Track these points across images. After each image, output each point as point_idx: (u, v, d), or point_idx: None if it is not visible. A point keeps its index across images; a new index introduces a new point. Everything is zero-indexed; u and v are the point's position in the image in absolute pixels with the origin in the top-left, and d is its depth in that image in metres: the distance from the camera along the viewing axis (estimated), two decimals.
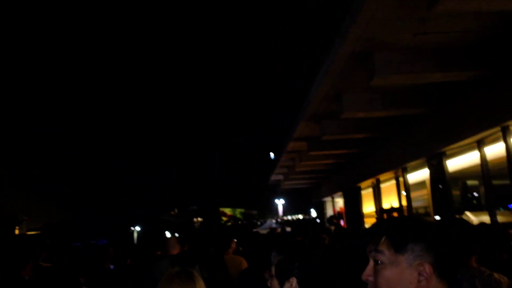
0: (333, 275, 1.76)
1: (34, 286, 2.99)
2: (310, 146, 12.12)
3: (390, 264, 1.14)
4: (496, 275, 2.06)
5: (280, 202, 56.71)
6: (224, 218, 76.10)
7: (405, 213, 11.30)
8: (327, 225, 17.02)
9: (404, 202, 11.41)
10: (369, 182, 14.19)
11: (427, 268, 1.11)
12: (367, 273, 1.19)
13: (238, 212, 78.86)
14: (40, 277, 3.01)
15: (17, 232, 61.19)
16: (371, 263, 1.19)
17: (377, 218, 14.02)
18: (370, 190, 14.67)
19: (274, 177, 20.76)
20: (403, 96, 7.94)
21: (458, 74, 6.44)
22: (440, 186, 8.78)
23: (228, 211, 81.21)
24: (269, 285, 1.78)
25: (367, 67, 6.47)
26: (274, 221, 37.52)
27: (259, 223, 53.45)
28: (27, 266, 3.46)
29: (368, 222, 15.12)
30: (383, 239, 1.16)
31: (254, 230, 19.98)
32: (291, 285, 1.69)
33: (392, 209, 12.77)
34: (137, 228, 60.64)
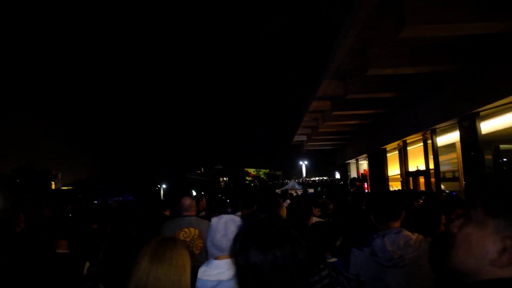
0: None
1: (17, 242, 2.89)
2: (334, 105, 11.64)
3: (476, 223, 0.97)
4: None
5: (303, 164, 56.73)
6: (249, 178, 77.18)
7: (432, 178, 10.87)
8: (349, 187, 16.73)
9: (431, 166, 10.92)
10: (395, 144, 13.68)
11: None
12: (456, 224, 1.05)
13: (262, 172, 79.64)
14: (27, 232, 2.91)
15: (53, 186, 64.38)
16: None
17: (401, 182, 13.68)
18: (396, 152, 14.18)
19: (297, 138, 20.41)
20: (434, 51, 7.27)
21: (499, 24, 5.74)
22: (472, 149, 8.24)
23: (252, 171, 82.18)
24: None
25: (396, 17, 5.88)
26: (296, 181, 37.49)
27: (286, 182, 53.85)
28: (19, 220, 3.37)
29: (393, 186, 14.76)
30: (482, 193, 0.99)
31: (277, 190, 20.04)
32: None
33: (418, 172, 12.34)
34: (164, 186, 62.53)
